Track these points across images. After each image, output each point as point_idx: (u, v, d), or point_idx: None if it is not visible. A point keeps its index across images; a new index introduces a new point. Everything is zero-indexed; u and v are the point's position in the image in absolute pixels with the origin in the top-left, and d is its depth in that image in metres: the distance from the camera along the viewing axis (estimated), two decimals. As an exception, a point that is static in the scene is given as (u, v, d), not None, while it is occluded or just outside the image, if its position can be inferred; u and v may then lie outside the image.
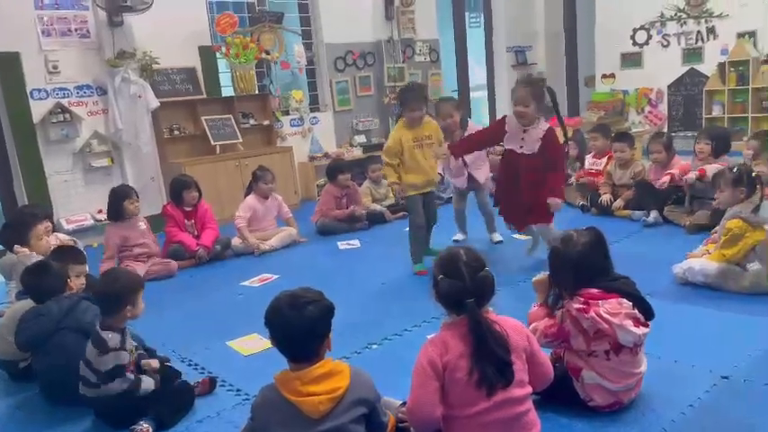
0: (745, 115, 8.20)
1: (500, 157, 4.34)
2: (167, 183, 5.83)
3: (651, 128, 9.03)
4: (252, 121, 7.16)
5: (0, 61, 5.56)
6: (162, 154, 6.52)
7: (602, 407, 2.36)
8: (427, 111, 4.29)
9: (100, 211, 5.84)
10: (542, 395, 2.31)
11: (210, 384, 2.84)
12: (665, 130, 8.81)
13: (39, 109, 5.77)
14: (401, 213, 5.76)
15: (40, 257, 3.56)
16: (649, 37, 9.16)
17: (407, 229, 4.49)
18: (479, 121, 10.71)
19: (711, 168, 4.67)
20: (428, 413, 2.00)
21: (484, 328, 1.99)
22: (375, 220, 5.96)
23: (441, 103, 5.00)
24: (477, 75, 10.68)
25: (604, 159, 5.90)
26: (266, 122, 7.28)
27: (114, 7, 5.90)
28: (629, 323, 2.28)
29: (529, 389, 2.09)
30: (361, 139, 8.23)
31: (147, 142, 6.30)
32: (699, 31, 8.67)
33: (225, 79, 7.16)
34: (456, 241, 4.90)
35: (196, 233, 5.21)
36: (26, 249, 3.76)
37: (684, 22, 8.76)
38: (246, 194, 5.55)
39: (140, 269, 4.57)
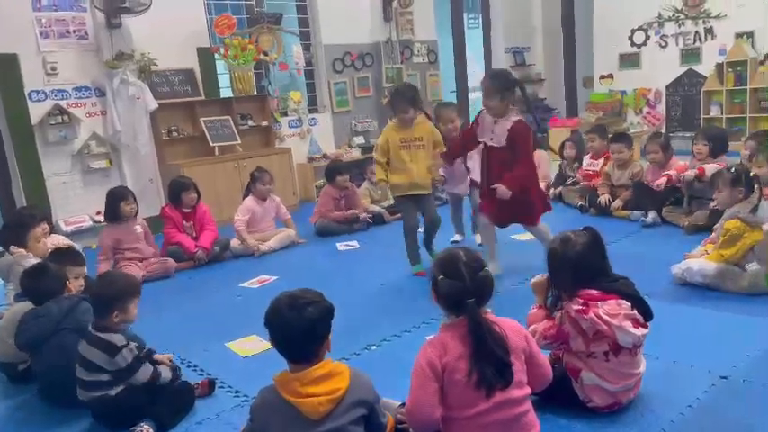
0: (744, 115, 8.22)
1: None
2: (166, 184, 5.82)
3: (649, 128, 9.05)
4: (250, 123, 7.16)
5: (-2, 63, 5.57)
6: (160, 155, 6.51)
7: (601, 408, 2.36)
8: (421, 112, 4.24)
9: (98, 213, 5.83)
10: (541, 396, 2.31)
11: (209, 386, 2.84)
12: (664, 130, 8.82)
13: (37, 111, 5.76)
14: (399, 214, 5.75)
15: (37, 259, 3.56)
16: (647, 38, 9.18)
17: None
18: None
19: (710, 168, 4.68)
20: (427, 414, 2.00)
21: (484, 328, 1.99)
22: (374, 221, 5.96)
23: (441, 108, 4.96)
24: (476, 76, 10.69)
25: (602, 160, 5.92)
26: (265, 124, 7.28)
27: (112, 9, 5.90)
28: (628, 324, 2.28)
29: (528, 390, 2.09)
30: (360, 140, 8.23)
31: (146, 144, 6.29)
32: (697, 32, 8.69)
33: (223, 81, 7.16)
34: (454, 242, 4.90)
35: (195, 235, 5.21)
36: (22, 250, 3.75)
37: (682, 23, 8.78)
38: (245, 196, 5.55)
39: (137, 271, 4.56)
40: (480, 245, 4.48)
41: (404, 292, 4.06)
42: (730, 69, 8.25)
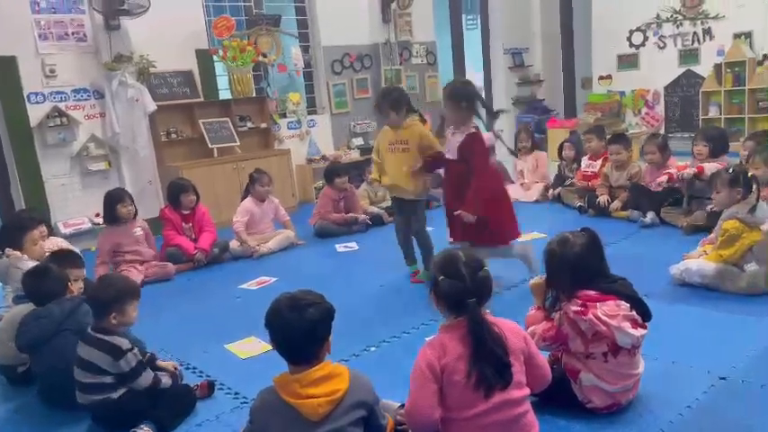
0: (742, 116, 8.22)
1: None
2: (165, 186, 5.82)
3: (648, 129, 9.05)
4: (249, 124, 7.16)
5: (-3, 65, 5.57)
6: (159, 157, 6.51)
7: (600, 408, 2.37)
8: (413, 114, 4.12)
9: (97, 215, 5.83)
10: (540, 397, 2.31)
11: (209, 388, 2.84)
12: (662, 131, 8.83)
13: (36, 113, 5.76)
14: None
15: (33, 262, 3.54)
16: (646, 38, 9.18)
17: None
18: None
19: (710, 167, 4.68)
20: (427, 416, 2.00)
21: (484, 328, 2.00)
22: (373, 222, 5.96)
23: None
24: (475, 77, 10.69)
25: (600, 161, 5.92)
26: (263, 125, 7.28)
27: (111, 11, 5.90)
28: (626, 325, 2.28)
29: (527, 390, 2.09)
30: (359, 141, 8.23)
31: (145, 146, 6.29)
32: (695, 33, 8.69)
33: (222, 82, 7.16)
34: (452, 242, 4.89)
35: (194, 236, 5.21)
36: (18, 253, 3.71)
37: (680, 24, 8.79)
38: (243, 197, 5.55)
39: (136, 275, 4.56)
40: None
41: (403, 293, 4.06)
42: (729, 70, 8.26)
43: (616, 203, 5.45)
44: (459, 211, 3.67)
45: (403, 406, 2.16)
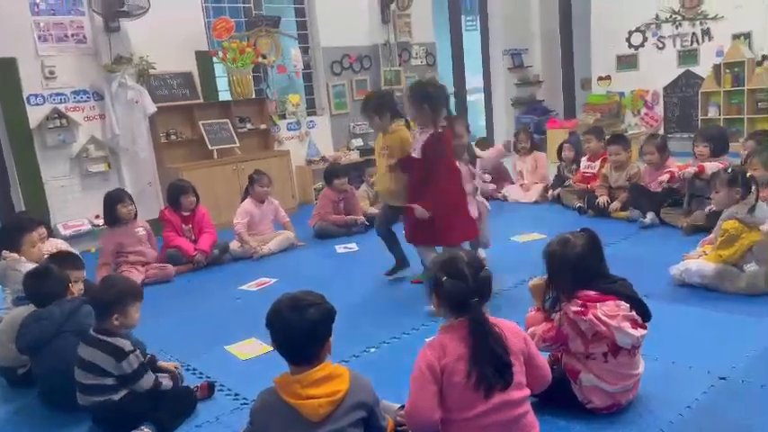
0: (741, 116, 8.23)
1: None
2: (164, 188, 5.83)
3: (647, 130, 9.06)
4: (249, 126, 7.16)
5: (-4, 67, 5.57)
6: (159, 159, 6.51)
7: (600, 409, 2.37)
8: (396, 119, 4.03)
9: (97, 217, 5.84)
10: (540, 397, 2.31)
11: (209, 389, 2.84)
12: (662, 131, 8.83)
13: (35, 114, 5.76)
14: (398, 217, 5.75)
15: (30, 263, 3.54)
16: (645, 39, 9.19)
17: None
18: (476, 124, 10.75)
19: (711, 166, 4.68)
20: (427, 417, 2.00)
21: (486, 328, 2.01)
22: (372, 223, 5.95)
23: (450, 121, 4.45)
24: (474, 78, 10.71)
25: (599, 162, 5.92)
26: (263, 126, 7.28)
27: (111, 13, 5.90)
28: (626, 325, 2.29)
29: (527, 391, 2.09)
30: (358, 142, 8.23)
31: (144, 147, 6.29)
32: (694, 33, 8.70)
33: (222, 84, 7.16)
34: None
35: (194, 238, 5.21)
36: (15, 255, 3.69)
37: (679, 24, 8.79)
38: (243, 198, 5.55)
39: (137, 276, 4.56)
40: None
41: (403, 294, 4.07)
42: (728, 70, 8.27)
43: (615, 204, 5.46)
44: (414, 205, 3.68)
45: (403, 407, 2.16)
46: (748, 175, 3.71)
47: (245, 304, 4.18)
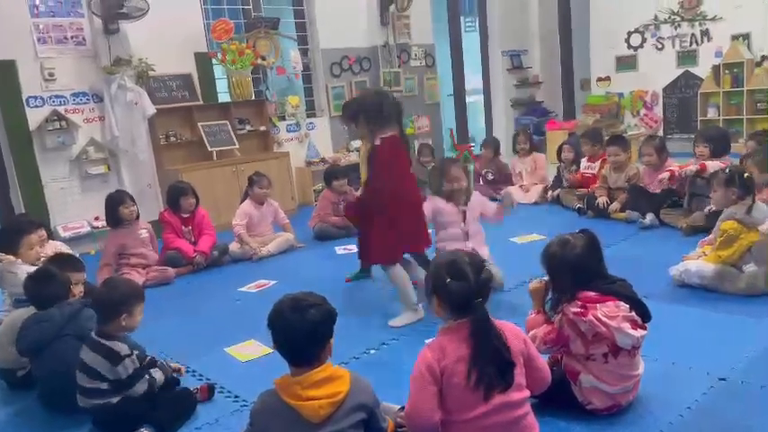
0: (740, 117, 8.23)
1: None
2: (164, 189, 5.83)
3: (647, 130, 9.06)
4: (248, 127, 7.17)
5: (-4, 69, 5.57)
6: (158, 160, 6.51)
7: (600, 410, 2.37)
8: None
9: (97, 218, 5.84)
10: (541, 399, 2.31)
11: (209, 391, 2.84)
12: (661, 132, 8.84)
13: (35, 116, 5.77)
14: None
15: (27, 266, 3.53)
16: (644, 40, 9.19)
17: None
18: (476, 125, 10.76)
19: (712, 165, 4.68)
20: (426, 418, 2.00)
21: (490, 326, 2.01)
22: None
23: (446, 165, 4.11)
24: (473, 79, 10.70)
25: (599, 163, 5.93)
26: (263, 128, 7.28)
27: (110, 14, 5.90)
28: (626, 326, 2.29)
29: (527, 392, 2.09)
30: (358, 144, 8.21)
31: (144, 149, 6.29)
32: (693, 34, 8.71)
33: (221, 85, 7.16)
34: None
35: (193, 239, 5.21)
36: (11, 257, 3.66)
37: (678, 25, 8.80)
38: (242, 200, 5.55)
39: (138, 278, 4.55)
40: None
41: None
42: (727, 71, 8.26)
43: (615, 205, 5.46)
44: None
45: (403, 408, 2.16)
46: (746, 175, 3.69)
47: (244, 306, 4.18)
